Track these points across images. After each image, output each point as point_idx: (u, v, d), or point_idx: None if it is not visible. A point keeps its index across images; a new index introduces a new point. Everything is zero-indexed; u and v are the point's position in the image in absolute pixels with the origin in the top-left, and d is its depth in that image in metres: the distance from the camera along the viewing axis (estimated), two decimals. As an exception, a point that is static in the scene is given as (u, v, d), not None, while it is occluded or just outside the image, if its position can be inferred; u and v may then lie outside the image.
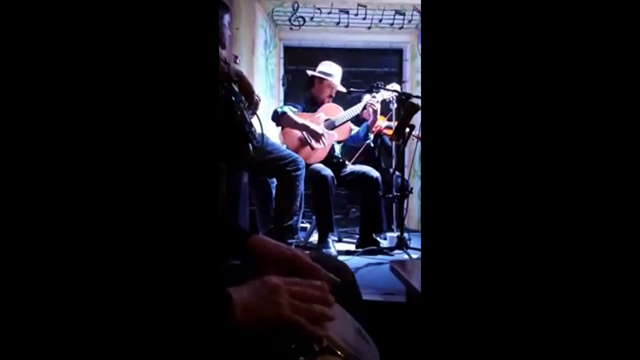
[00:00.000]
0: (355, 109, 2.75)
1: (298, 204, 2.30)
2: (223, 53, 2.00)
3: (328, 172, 2.50)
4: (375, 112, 2.71)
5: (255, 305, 0.55)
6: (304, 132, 2.62)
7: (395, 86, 2.83)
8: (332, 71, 2.80)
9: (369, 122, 2.80)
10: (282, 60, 4.14)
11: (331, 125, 2.72)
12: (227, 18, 2.13)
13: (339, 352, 0.54)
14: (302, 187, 2.33)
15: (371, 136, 2.88)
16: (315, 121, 2.71)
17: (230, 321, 0.52)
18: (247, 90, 1.99)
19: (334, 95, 2.83)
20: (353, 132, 2.85)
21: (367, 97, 2.75)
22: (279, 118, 2.65)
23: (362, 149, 2.89)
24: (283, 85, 4.12)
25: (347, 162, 2.82)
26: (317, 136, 2.60)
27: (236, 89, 1.94)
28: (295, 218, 2.30)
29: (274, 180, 2.48)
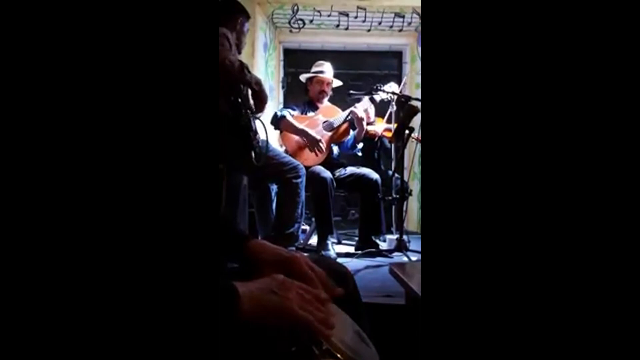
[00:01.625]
0: (346, 113, 2.72)
1: (299, 211, 2.29)
2: (237, 57, 2.03)
3: (327, 174, 2.50)
4: (360, 120, 2.66)
5: (263, 297, 0.56)
6: (303, 138, 2.62)
7: (393, 86, 2.82)
8: (320, 68, 2.82)
9: (355, 132, 2.77)
10: (281, 63, 4.14)
11: (330, 126, 2.72)
12: (247, 26, 2.18)
13: (339, 355, 0.54)
14: (303, 194, 2.32)
15: (359, 146, 2.85)
16: (314, 122, 2.71)
17: (237, 312, 0.52)
18: (262, 99, 2.02)
19: (327, 90, 2.82)
20: (349, 137, 2.84)
21: (365, 99, 2.75)
22: (278, 122, 2.66)
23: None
24: (283, 87, 4.13)
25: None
26: (315, 143, 2.59)
27: (249, 96, 1.97)
28: (296, 226, 2.29)
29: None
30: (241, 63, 1.93)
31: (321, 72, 2.80)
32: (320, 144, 2.59)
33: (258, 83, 2.00)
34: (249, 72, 1.96)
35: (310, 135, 2.59)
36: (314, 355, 0.53)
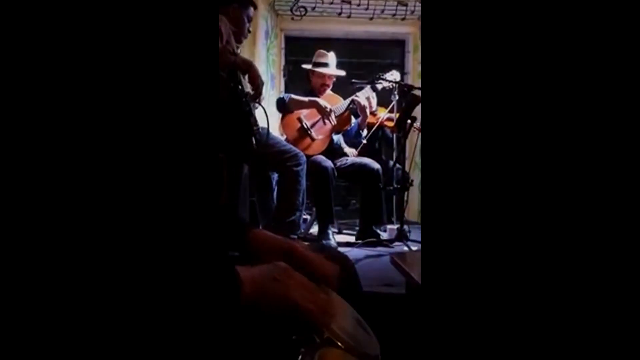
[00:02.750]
0: (347, 102, 2.72)
1: (300, 199, 2.30)
2: (233, 44, 1.97)
3: (328, 163, 2.49)
4: (363, 109, 2.68)
5: (265, 283, 0.56)
6: (314, 108, 2.62)
7: (395, 74, 2.80)
8: (323, 60, 2.79)
9: (359, 120, 2.77)
10: (283, 51, 4.11)
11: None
12: (247, 13, 2.13)
13: (340, 344, 0.54)
14: (304, 182, 2.32)
15: (363, 133, 2.85)
16: (315, 112, 2.70)
17: (238, 297, 0.53)
18: (256, 81, 1.95)
19: (328, 84, 2.81)
20: (352, 125, 2.83)
21: (366, 88, 2.73)
22: (286, 104, 2.66)
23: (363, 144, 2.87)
24: (284, 76, 4.10)
25: (350, 152, 2.80)
26: (327, 112, 2.61)
27: (244, 79, 1.91)
28: (297, 214, 2.30)
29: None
30: (223, 46, 1.86)
31: (325, 65, 2.77)
32: (333, 114, 2.62)
33: (246, 63, 1.92)
34: (233, 54, 1.89)
35: (320, 105, 2.62)
36: (315, 343, 0.53)
